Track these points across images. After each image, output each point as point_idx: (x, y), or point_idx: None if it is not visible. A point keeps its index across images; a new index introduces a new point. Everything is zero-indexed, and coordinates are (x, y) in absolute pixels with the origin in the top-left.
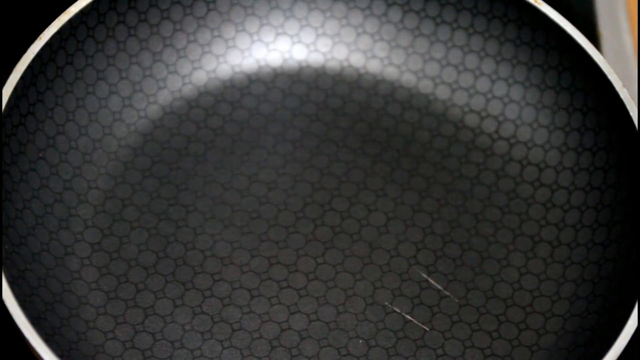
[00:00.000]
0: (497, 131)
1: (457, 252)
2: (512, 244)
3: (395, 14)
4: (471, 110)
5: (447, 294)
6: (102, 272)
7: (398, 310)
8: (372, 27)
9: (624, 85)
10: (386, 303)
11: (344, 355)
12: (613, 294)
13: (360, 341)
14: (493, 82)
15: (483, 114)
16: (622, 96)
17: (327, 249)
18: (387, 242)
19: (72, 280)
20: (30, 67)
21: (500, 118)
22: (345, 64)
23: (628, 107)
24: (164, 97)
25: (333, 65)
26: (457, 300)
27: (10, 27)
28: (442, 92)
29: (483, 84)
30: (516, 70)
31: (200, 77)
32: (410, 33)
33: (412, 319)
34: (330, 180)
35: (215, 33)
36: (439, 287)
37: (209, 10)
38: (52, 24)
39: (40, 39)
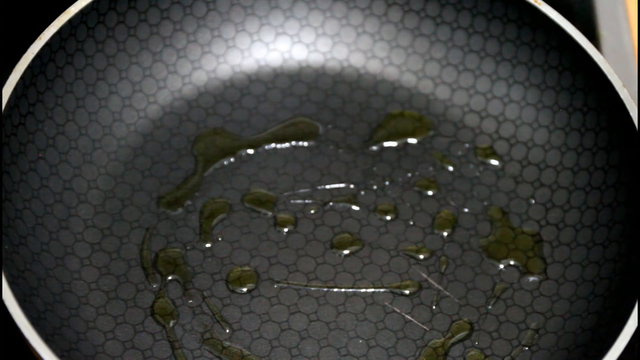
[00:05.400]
0: (497, 131)
1: (457, 252)
2: (512, 244)
3: (395, 14)
4: (471, 110)
5: (447, 294)
6: (102, 272)
7: (398, 310)
8: (372, 27)
9: (624, 85)
10: (386, 303)
11: (344, 355)
12: (613, 294)
13: (360, 341)
14: (493, 82)
15: (483, 114)
16: (622, 96)
17: (326, 250)
18: (387, 242)
19: (72, 280)
20: (30, 67)
21: (500, 118)
22: (345, 64)
23: (628, 107)
24: (164, 97)
25: (333, 65)
26: (457, 300)
27: (10, 27)
28: (442, 92)
29: (483, 84)
30: (516, 70)
31: (200, 77)
32: (411, 33)
33: (412, 319)
34: (331, 180)
35: (215, 33)
36: (439, 287)
37: (209, 10)
38: (52, 24)
39: (40, 39)
